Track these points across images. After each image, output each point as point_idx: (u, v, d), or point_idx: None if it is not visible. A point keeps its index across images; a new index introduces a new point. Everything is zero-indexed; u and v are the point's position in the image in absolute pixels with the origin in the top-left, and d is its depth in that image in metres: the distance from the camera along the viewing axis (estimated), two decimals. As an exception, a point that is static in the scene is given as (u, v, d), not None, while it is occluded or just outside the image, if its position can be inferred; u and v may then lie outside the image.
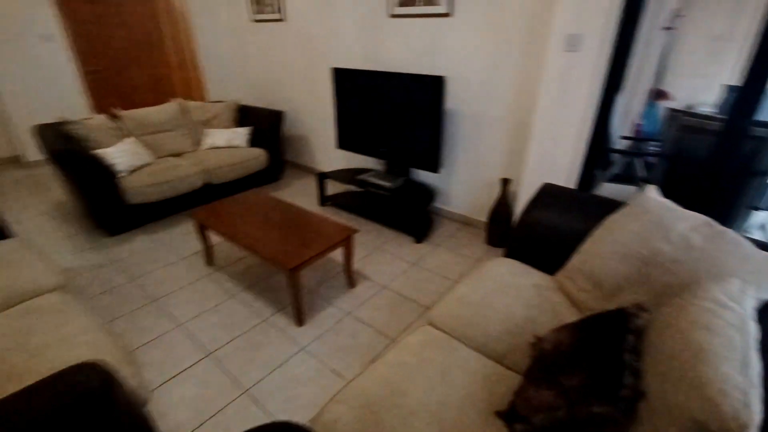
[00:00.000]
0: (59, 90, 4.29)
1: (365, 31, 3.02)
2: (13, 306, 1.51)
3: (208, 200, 3.36)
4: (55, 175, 3.97)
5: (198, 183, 3.09)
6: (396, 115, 2.78)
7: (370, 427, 1.02)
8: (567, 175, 2.23)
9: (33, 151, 4.31)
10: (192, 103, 3.67)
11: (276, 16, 3.61)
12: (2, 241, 1.91)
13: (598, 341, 0.96)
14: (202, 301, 2.14)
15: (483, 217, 2.89)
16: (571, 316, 1.31)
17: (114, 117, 3.22)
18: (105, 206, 2.68)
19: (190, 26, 4.62)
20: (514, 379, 1.16)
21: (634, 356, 0.89)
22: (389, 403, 1.07)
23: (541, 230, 1.66)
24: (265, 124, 3.61)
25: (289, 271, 1.75)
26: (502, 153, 2.64)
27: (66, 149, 2.50)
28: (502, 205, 2.60)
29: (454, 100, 2.71)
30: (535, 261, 1.63)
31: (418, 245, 2.71)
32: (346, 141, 3.20)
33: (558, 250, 1.55)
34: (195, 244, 2.70)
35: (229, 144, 3.53)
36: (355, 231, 2.07)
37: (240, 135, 3.58)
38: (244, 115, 3.84)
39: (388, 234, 2.86)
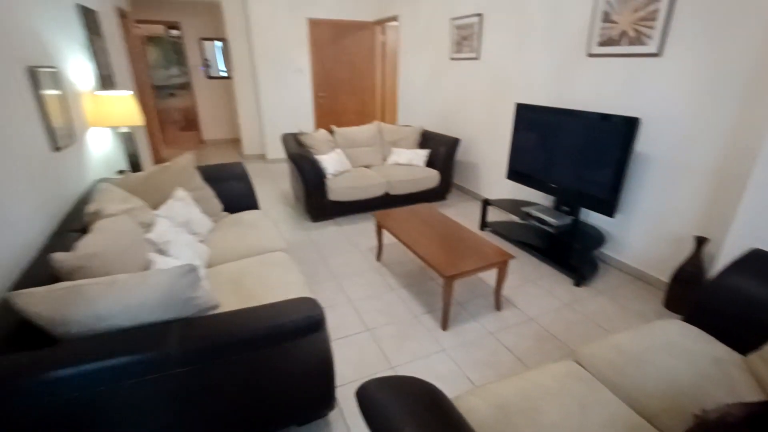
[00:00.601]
0: (297, 109, 5.71)
1: (556, 70, 3.08)
2: (258, 255, 2.19)
3: (385, 206, 3.94)
4: (286, 171, 5.31)
5: (380, 192, 3.69)
6: (575, 153, 2.74)
7: (501, 425, 1.14)
8: (796, 247, 1.80)
9: (272, 151, 5.83)
10: (386, 126, 4.37)
11: (471, 55, 4.00)
12: (254, 211, 2.77)
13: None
14: (369, 287, 2.59)
15: (662, 275, 2.54)
16: (753, 399, 1.13)
17: (331, 132, 4.14)
18: (314, 198, 3.49)
19: (396, 61, 5.49)
20: (664, 442, 1.09)
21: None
22: (523, 413, 1.16)
23: (738, 300, 1.45)
24: (441, 149, 4.02)
25: (446, 278, 1.99)
26: (698, 206, 2.30)
27: (299, 153, 3.39)
28: (693, 267, 2.25)
29: (645, 143, 2.51)
30: (722, 334, 1.43)
31: (577, 288, 2.58)
32: (516, 173, 3.29)
33: (757, 327, 1.33)
34: (369, 241, 3.24)
35: (409, 162, 4.07)
36: (511, 257, 2.17)
37: (420, 156, 4.08)
38: (425, 139, 4.35)
39: (545, 270, 2.81)
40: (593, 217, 2.96)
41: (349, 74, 5.90)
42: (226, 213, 2.73)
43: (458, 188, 4.60)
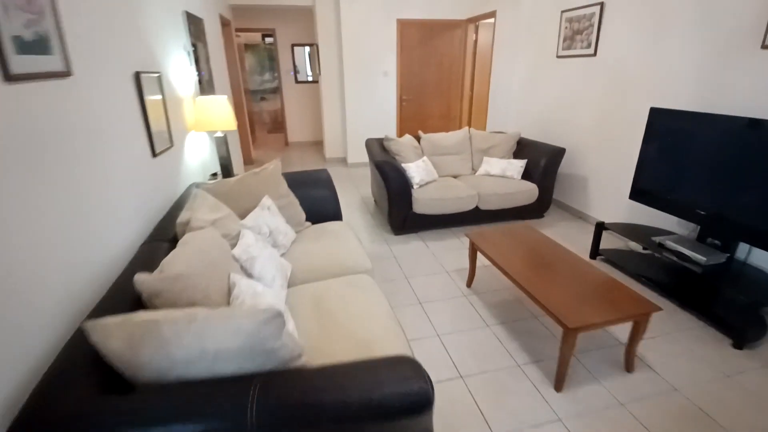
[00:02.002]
0: (380, 113, 5.56)
1: (707, 68, 2.44)
2: (342, 276, 1.99)
3: (474, 222, 3.57)
4: (367, 176, 5.19)
5: (470, 206, 3.32)
6: (736, 171, 2.11)
7: None
8: None
9: (353, 155, 5.76)
10: (477, 132, 3.98)
11: (586, 51, 3.44)
12: (338, 222, 2.60)
13: None
14: (457, 319, 2.25)
15: None
16: None
17: (417, 138, 3.88)
18: (398, 210, 3.24)
19: (489, 62, 5.05)
20: None
21: None
22: None
23: None
24: (541, 159, 3.51)
25: (568, 330, 1.59)
26: None
27: (385, 160, 3.17)
28: None
29: None
30: None
31: (737, 351, 1.97)
32: (643, 193, 2.70)
33: None
34: (457, 261, 2.90)
35: (503, 174, 3.64)
36: (657, 309, 1.68)
37: (515, 167, 3.63)
38: (521, 148, 3.87)
39: (686, 320, 2.22)
40: (759, 256, 2.28)
41: (436, 76, 5.60)
42: (308, 223, 2.60)
43: (558, 204, 4.03)
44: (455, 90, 5.74)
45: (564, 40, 3.71)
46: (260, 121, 9.26)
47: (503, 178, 3.61)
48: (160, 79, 2.12)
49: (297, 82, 7.07)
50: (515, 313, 2.30)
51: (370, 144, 3.72)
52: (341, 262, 2.07)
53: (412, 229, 3.40)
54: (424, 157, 3.61)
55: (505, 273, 2.03)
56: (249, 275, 1.66)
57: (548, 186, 3.55)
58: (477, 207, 3.36)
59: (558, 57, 3.82)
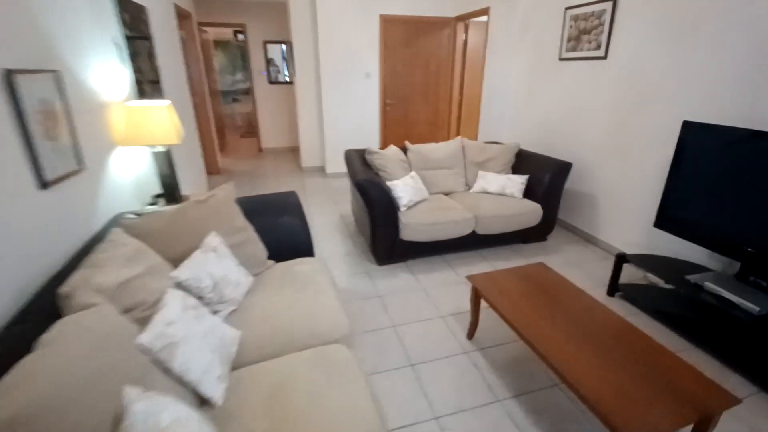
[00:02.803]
0: (362, 119, 5.05)
1: (750, 75, 2.05)
2: (309, 348, 1.47)
3: (469, 248, 3.11)
4: (347, 188, 4.66)
5: (466, 230, 2.85)
6: (804, 204, 1.71)
7: None
8: None
9: (331, 165, 5.23)
10: (471, 143, 3.53)
11: (595, 53, 3.03)
12: (309, 260, 2.08)
13: None
14: (460, 390, 1.77)
15: None
16: None
17: (404, 150, 3.39)
18: (383, 237, 2.74)
19: (480, 64, 4.62)
20: None
21: None
22: None
23: None
24: (544, 175, 3.08)
25: (625, 441, 1.12)
26: None
27: (367, 179, 2.66)
28: None
29: None
30: None
31: (816, 436, 1.56)
32: (674, 221, 2.29)
33: None
34: (453, 301, 2.43)
35: (501, 191, 3.19)
36: (737, 401, 1.23)
37: (515, 183, 3.18)
38: (519, 161, 3.43)
39: (741, 386, 1.81)
40: (819, 304, 1.89)
41: (422, 79, 5.14)
42: (271, 262, 2.07)
43: (562, 224, 3.62)
44: (443, 94, 5.29)
45: (568, 41, 3.30)
46: (232, 125, 8.61)
47: (502, 196, 3.16)
48: (58, 79, 1.55)
49: (271, 82, 6.48)
50: (531, 378, 1.83)
51: (350, 157, 3.21)
52: (310, 326, 1.56)
53: (400, 258, 2.91)
54: (412, 173, 3.13)
55: (524, 338, 1.56)
56: (166, 370, 1.13)
57: (553, 206, 3.12)
58: (474, 231, 2.90)
59: (561, 59, 3.41)
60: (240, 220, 2.00)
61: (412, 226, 2.71)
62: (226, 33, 7.93)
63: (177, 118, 2.35)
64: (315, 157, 5.51)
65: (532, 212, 3.00)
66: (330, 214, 3.91)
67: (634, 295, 2.39)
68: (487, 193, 3.24)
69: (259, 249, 2.03)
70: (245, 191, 4.64)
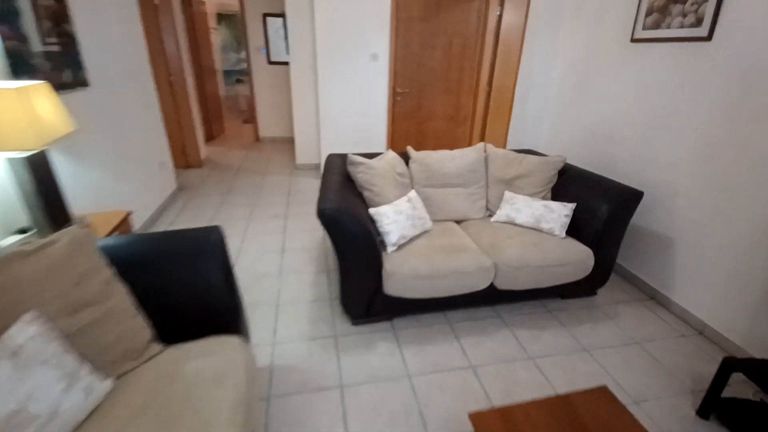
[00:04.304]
0: (366, 109, 4.17)
1: None
2: None
3: (482, 303, 2.24)
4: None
5: (480, 284, 1.98)
6: None
7: None
8: None
9: (329, 164, 4.38)
10: (497, 151, 2.61)
11: (692, 31, 2.04)
12: (223, 340, 1.29)
13: None
14: None
15: None
16: None
17: (405, 157, 2.52)
18: (359, 291, 1.91)
19: (518, 48, 3.63)
20: None
21: None
22: None
23: None
24: (600, 205, 2.15)
25: None
26: None
27: (338, 208, 1.80)
28: None
29: None
30: None
31: None
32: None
33: None
34: (456, 401, 1.58)
35: (536, 224, 2.27)
36: None
37: (556, 214, 2.25)
38: (561, 182, 2.49)
39: None
40: None
41: (443, 63, 4.17)
42: (158, 347, 1.30)
43: (617, 269, 2.68)
44: (467, 83, 4.31)
45: (648, 14, 2.30)
46: (235, 108, 7.89)
47: (537, 231, 2.25)
48: None
49: (270, 62, 5.67)
50: None
51: (330, 165, 2.37)
52: None
53: (383, 314, 2.07)
54: (412, 192, 2.26)
55: None
56: None
57: (611, 250, 2.19)
58: (493, 285, 2.02)
59: (633, 41, 2.41)
60: (97, 281, 1.21)
61: (401, 278, 1.86)
62: (233, 5, 7.12)
63: (52, 107, 1.56)
64: (311, 153, 4.69)
65: (578, 262, 2.08)
66: (312, 231, 3.10)
67: (736, 418, 1.48)
68: (515, 225, 2.33)
69: (133, 329, 1.25)
70: (219, 190, 3.89)
